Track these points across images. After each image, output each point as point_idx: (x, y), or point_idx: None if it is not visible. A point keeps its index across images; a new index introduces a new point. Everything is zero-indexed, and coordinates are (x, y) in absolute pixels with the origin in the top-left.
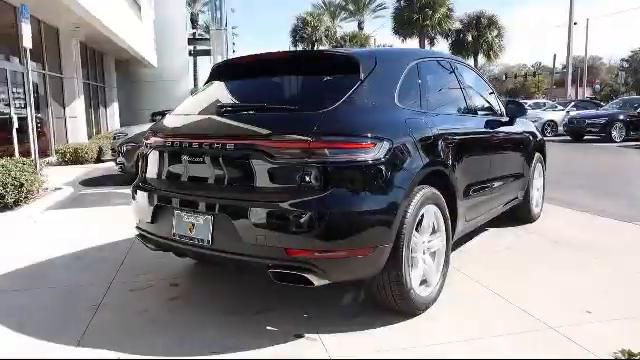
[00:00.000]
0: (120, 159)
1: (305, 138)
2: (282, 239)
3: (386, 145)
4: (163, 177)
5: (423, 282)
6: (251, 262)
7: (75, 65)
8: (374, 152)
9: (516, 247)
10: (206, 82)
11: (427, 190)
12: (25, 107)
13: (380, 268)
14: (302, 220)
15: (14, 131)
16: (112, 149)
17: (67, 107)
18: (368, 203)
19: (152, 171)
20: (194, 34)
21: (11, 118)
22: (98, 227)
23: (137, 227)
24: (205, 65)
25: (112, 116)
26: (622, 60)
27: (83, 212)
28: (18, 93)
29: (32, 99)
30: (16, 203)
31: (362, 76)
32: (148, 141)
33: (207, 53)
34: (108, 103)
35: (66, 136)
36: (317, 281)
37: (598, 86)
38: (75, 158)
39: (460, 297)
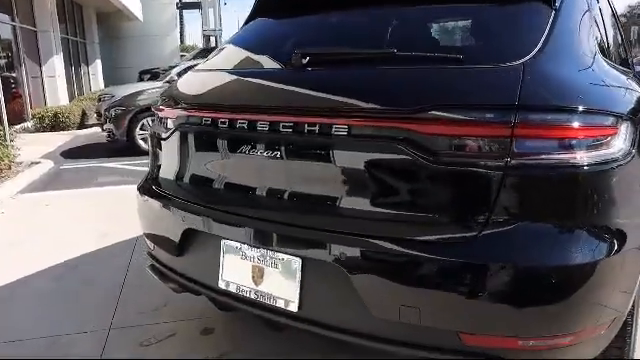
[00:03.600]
0: (108, 125)
1: (504, 119)
2: (458, 316)
3: (629, 129)
4: (197, 180)
5: None
6: (382, 350)
7: (51, 16)
8: (618, 142)
9: None
10: (248, 19)
11: None
12: None
13: (603, 348)
14: (506, 283)
15: None
16: (97, 112)
17: (44, 65)
18: (617, 244)
19: (173, 168)
20: None
21: None
22: (85, 221)
23: (150, 255)
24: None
25: (95, 75)
26: None
27: (65, 197)
28: None
29: None
30: None
31: (556, 3)
32: (162, 114)
33: (195, 6)
34: (90, 61)
35: (44, 98)
36: None
37: None
38: (55, 123)
39: None
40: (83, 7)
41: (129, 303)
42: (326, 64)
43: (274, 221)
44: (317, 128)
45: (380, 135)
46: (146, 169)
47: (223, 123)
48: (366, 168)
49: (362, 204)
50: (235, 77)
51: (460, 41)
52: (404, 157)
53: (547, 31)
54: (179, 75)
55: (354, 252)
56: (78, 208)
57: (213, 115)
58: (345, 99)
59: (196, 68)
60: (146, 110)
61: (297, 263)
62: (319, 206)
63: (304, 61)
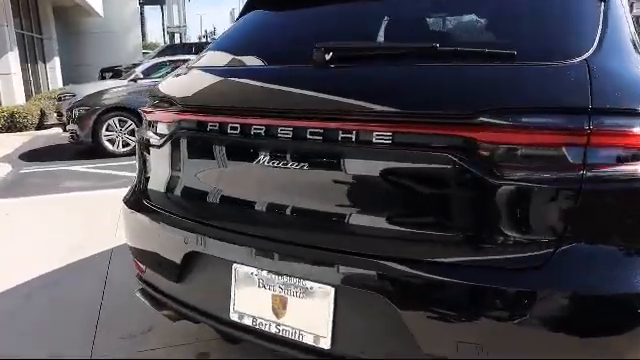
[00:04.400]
0: (71, 126)
1: (578, 125)
2: (527, 353)
3: None
4: (201, 195)
5: None
6: None
7: (4, 9)
8: None
9: None
10: (246, 9)
11: None
12: None
13: None
14: (593, 313)
15: None
16: (57, 112)
17: None
18: None
19: (169, 180)
20: None
21: None
22: (52, 232)
23: (140, 279)
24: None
25: (53, 73)
26: None
27: (28, 204)
28: None
29: None
30: None
31: None
32: (152, 117)
33: (157, 2)
34: (48, 57)
35: None
36: None
37: None
38: (11, 124)
39: None
40: (39, 1)
41: (110, 327)
42: (354, 61)
43: (301, 244)
44: (353, 135)
45: (429, 144)
46: (116, 173)
47: (234, 129)
48: (414, 183)
49: (412, 225)
50: (247, 76)
51: (507, 35)
52: (459, 170)
53: (601, 23)
54: (144, 73)
55: (403, 280)
56: (43, 217)
57: (222, 120)
58: (386, 102)
59: (191, 65)
60: (112, 110)
61: (330, 293)
62: (357, 227)
63: (327, 57)
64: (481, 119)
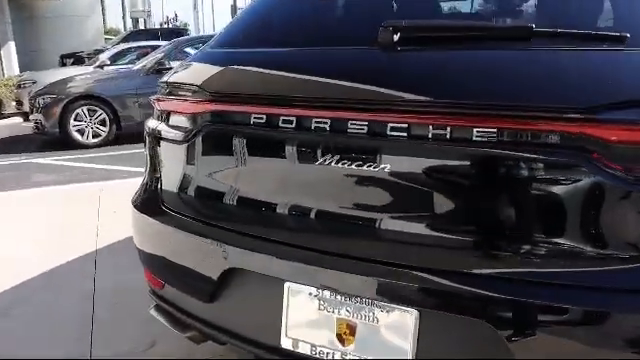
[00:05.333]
0: (35, 115)
1: None
2: None
3: None
4: (244, 202)
5: None
6: None
7: None
8: None
9: None
10: None
11: None
12: None
13: None
14: None
15: None
16: (16, 101)
17: None
18: None
19: (200, 182)
20: None
21: None
22: (25, 232)
23: (154, 294)
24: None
25: (8, 59)
26: None
27: None
28: None
29: None
30: None
31: None
32: (170, 107)
33: None
34: (2, 42)
35: None
36: None
37: None
38: None
39: None
40: None
41: (105, 344)
42: (430, 43)
43: (376, 260)
44: (448, 132)
45: (545, 143)
46: (89, 165)
47: (288, 122)
48: (522, 189)
49: (524, 239)
50: (301, 60)
51: (614, 15)
52: (583, 174)
53: None
54: (111, 60)
55: (511, 303)
56: (13, 216)
57: (270, 111)
58: (486, 93)
59: (213, 44)
60: (80, 98)
61: (412, 317)
62: (448, 240)
63: (395, 38)
64: (609, 114)
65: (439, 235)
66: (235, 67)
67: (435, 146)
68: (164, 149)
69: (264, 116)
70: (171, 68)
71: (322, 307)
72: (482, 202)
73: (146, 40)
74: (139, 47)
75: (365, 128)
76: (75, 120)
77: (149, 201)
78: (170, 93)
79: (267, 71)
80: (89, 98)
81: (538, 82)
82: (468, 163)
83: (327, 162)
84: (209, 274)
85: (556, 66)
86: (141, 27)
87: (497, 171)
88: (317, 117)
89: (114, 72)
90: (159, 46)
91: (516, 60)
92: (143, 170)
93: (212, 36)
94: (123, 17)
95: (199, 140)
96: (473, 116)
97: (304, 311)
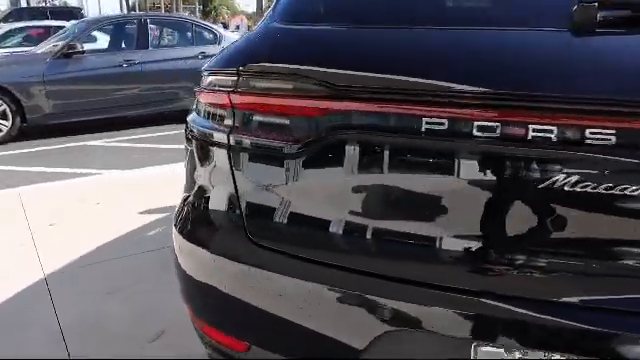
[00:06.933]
0: None
1: None
2: None
3: None
4: (399, 236)
5: None
6: None
7: None
8: None
9: None
10: None
11: None
12: None
13: None
14: None
15: None
16: None
17: None
18: None
19: (318, 207)
20: None
21: None
22: None
23: (223, 354)
24: None
25: None
26: None
27: None
28: None
29: None
30: None
31: None
32: (282, 109)
33: None
34: None
35: None
36: None
37: None
38: None
39: None
40: None
41: None
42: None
43: (602, 307)
44: None
45: None
46: (20, 169)
47: (488, 130)
48: None
49: None
50: (473, 45)
51: None
52: None
53: None
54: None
55: None
56: None
57: (458, 114)
58: None
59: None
60: None
61: None
62: None
63: (600, 17)
64: None
65: None
66: (376, 51)
67: None
68: (251, 163)
69: (445, 121)
70: (83, 52)
71: None
72: None
73: (31, 20)
74: (29, 27)
75: (613, 138)
76: None
77: (224, 234)
78: (253, 87)
79: (440, 59)
80: None
81: None
82: None
83: (556, 185)
84: (351, 340)
85: None
86: (23, 5)
87: None
88: (542, 124)
89: (10, 56)
90: (54, 27)
91: None
92: (83, 171)
93: (126, 17)
94: None
95: (323, 152)
96: None
97: None
